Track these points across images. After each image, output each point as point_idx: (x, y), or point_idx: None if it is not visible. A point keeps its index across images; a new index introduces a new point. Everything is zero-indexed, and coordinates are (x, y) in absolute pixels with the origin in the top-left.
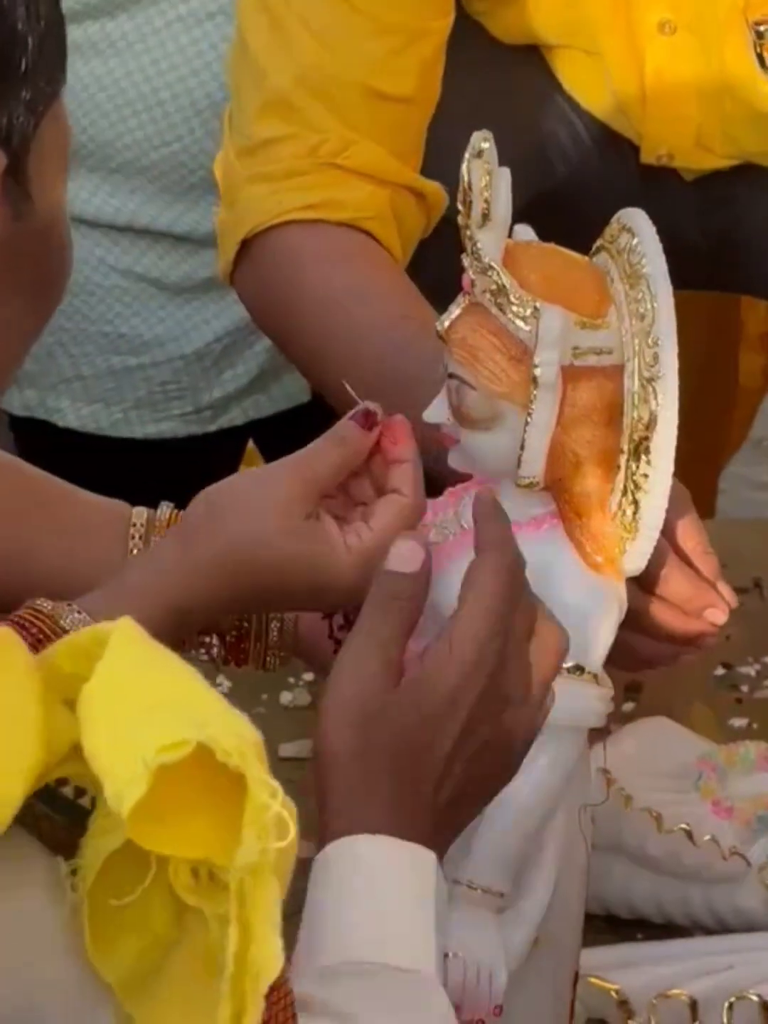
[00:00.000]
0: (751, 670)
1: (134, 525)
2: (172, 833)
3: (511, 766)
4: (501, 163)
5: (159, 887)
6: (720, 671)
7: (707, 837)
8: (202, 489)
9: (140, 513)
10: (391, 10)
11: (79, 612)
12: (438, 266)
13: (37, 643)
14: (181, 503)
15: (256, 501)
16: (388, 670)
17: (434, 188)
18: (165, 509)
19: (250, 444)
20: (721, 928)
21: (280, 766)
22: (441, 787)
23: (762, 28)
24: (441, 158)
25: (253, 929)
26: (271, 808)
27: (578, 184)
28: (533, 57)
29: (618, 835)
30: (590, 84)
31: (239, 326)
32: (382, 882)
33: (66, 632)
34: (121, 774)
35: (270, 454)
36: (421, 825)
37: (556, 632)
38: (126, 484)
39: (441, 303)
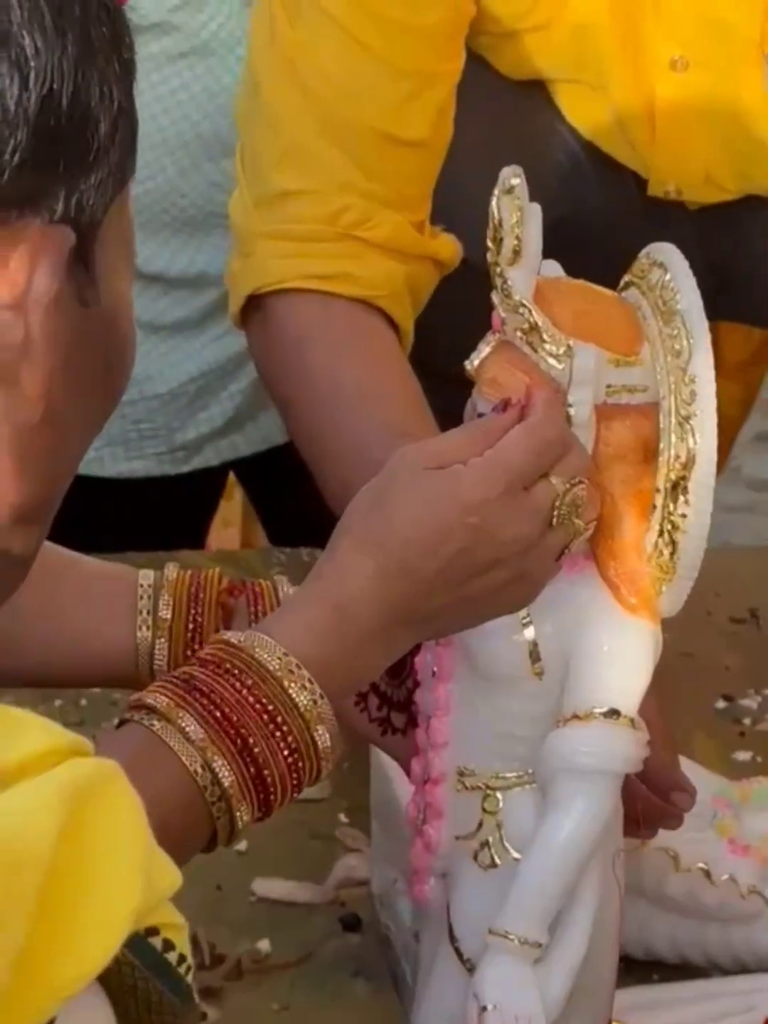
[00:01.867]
0: (753, 702)
1: (141, 587)
2: None
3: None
4: None
5: None
6: (721, 704)
7: (725, 876)
8: (176, 530)
9: (146, 575)
10: (406, 55)
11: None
12: (445, 301)
13: (234, 679)
14: (157, 543)
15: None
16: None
17: (450, 249)
18: (172, 570)
19: (231, 476)
20: (738, 968)
21: None
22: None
23: None
24: (444, 193)
25: None
26: None
27: (582, 215)
28: (536, 90)
29: (635, 875)
30: (594, 117)
31: (214, 367)
32: None
33: (261, 664)
34: None
35: (251, 492)
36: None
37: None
38: (98, 524)
39: (446, 336)
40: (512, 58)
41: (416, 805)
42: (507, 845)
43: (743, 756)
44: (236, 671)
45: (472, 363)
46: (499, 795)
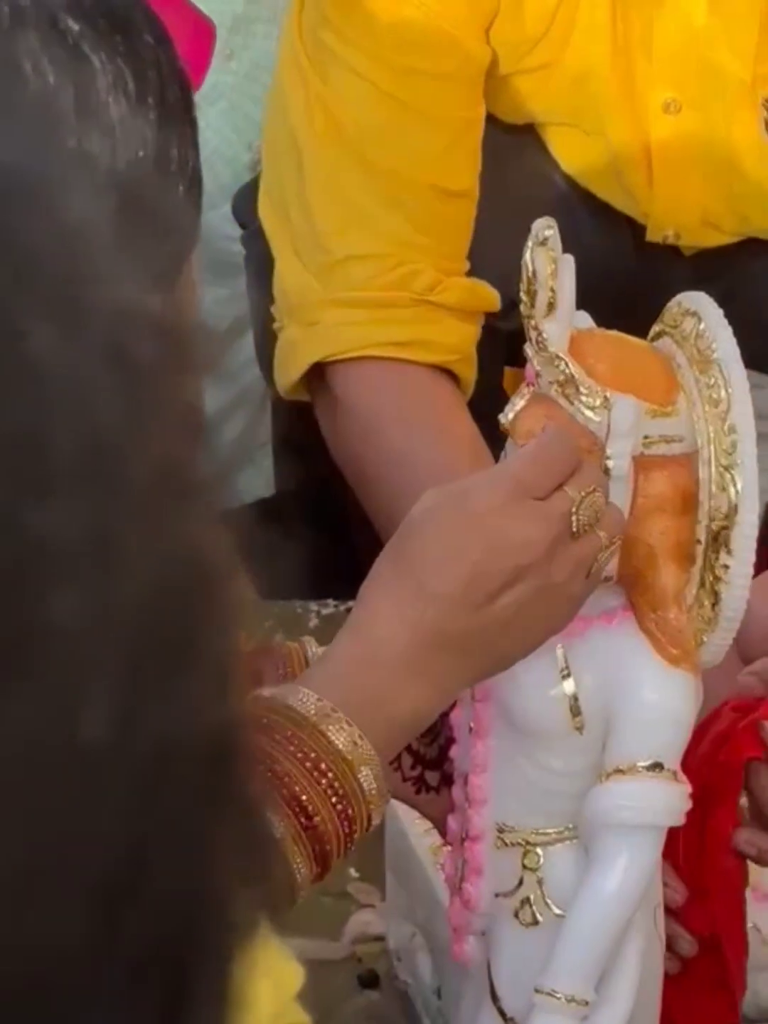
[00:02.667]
0: None
1: None
2: None
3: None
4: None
5: None
6: None
7: (750, 925)
8: None
9: None
10: (438, 104)
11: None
12: None
13: (273, 732)
14: None
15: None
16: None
17: (493, 299)
18: None
19: None
20: (762, 1017)
21: None
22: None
23: None
24: None
25: None
26: None
27: (577, 261)
28: (529, 135)
29: None
30: (588, 162)
31: None
32: None
33: (295, 711)
34: None
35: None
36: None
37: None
38: None
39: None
40: (508, 101)
41: (453, 863)
42: (549, 902)
43: (744, 800)
44: (273, 724)
45: (507, 416)
46: (540, 851)
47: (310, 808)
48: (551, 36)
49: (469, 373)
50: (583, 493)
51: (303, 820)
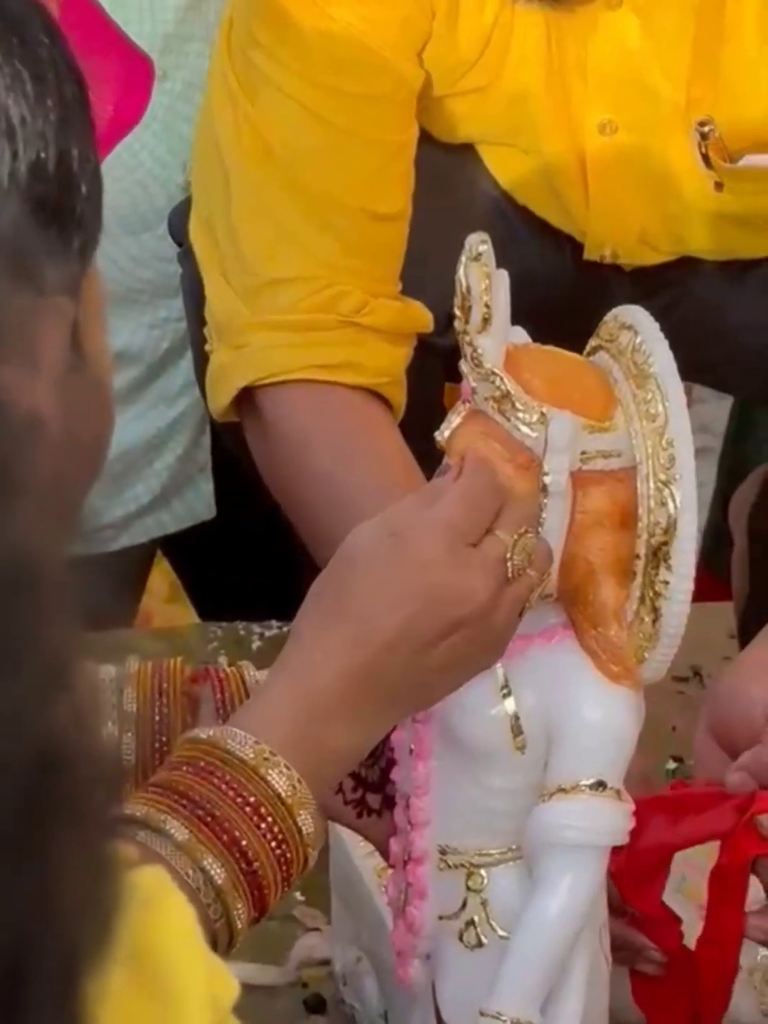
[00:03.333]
0: None
1: (102, 681)
2: None
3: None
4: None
5: None
6: (671, 764)
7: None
8: (102, 609)
9: (108, 670)
10: (369, 126)
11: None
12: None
13: (211, 776)
14: (86, 623)
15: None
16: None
17: (426, 319)
18: (133, 663)
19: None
20: None
21: None
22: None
23: (706, 129)
24: None
25: None
26: None
27: (516, 278)
28: (467, 152)
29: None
30: (526, 181)
31: (139, 444)
32: None
33: (234, 756)
34: None
35: (178, 566)
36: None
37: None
38: None
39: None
40: (443, 123)
41: (396, 886)
42: (493, 924)
43: None
44: (212, 768)
45: (443, 434)
46: (483, 872)
47: (250, 853)
48: (486, 59)
49: (399, 396)
50: (515, 535)
51: (243, 865)
